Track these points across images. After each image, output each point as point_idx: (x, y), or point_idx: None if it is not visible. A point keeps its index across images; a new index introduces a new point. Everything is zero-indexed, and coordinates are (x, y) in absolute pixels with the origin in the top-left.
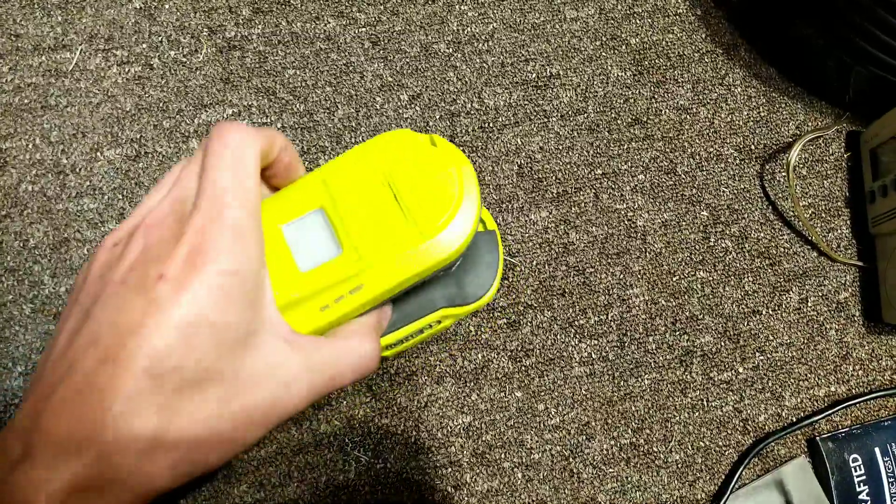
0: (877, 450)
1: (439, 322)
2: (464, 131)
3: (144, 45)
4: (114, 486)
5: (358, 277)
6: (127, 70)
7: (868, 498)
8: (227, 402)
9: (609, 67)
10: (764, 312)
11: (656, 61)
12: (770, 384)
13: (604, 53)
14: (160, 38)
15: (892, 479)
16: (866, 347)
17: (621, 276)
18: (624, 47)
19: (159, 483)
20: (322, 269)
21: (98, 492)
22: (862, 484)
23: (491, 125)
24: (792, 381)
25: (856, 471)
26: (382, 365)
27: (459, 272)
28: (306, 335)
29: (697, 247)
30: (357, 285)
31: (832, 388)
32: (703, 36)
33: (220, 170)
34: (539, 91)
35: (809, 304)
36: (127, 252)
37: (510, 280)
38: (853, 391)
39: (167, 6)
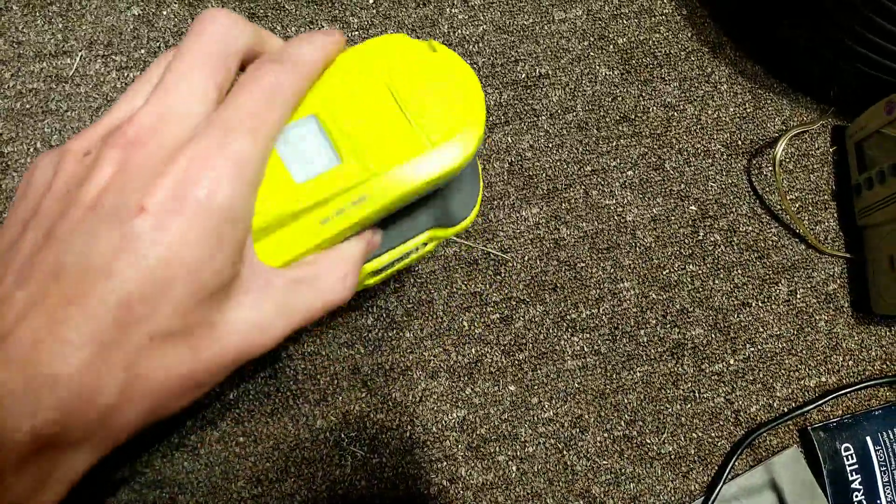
0: (868, 439)
1: (425, 245)
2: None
3: (143, 51)
4: (77, 442)
5: (361, 188)
6: (126, 75)
7: (860, 486)
8: (200, 351)
9: (597, 67)
10: (753, 304)
11: (643, 60)
12: (761, 375)
13: (592, 53)
14: (158, 44)
15: (883, 468)
16: (855, 338)
17: (612, 270)
18: (611, 47)
19: (124, 434)
20: (321, 180)
21: (58, 449)
22: (854, 472)
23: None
24: (783, 371)
25: (847, 460)
26: (377, 360)
27: (445, 191)
28: (284, 272)
29: (687, 241)
30: (360, 196)
31: (823, 379)
32: (689, 35)
33: (244, 87)
34: (528, 91)
35: (798, 296)
36: (100, 167)
37: (503, 275)
38: (843, 381)
39: (165, 13)
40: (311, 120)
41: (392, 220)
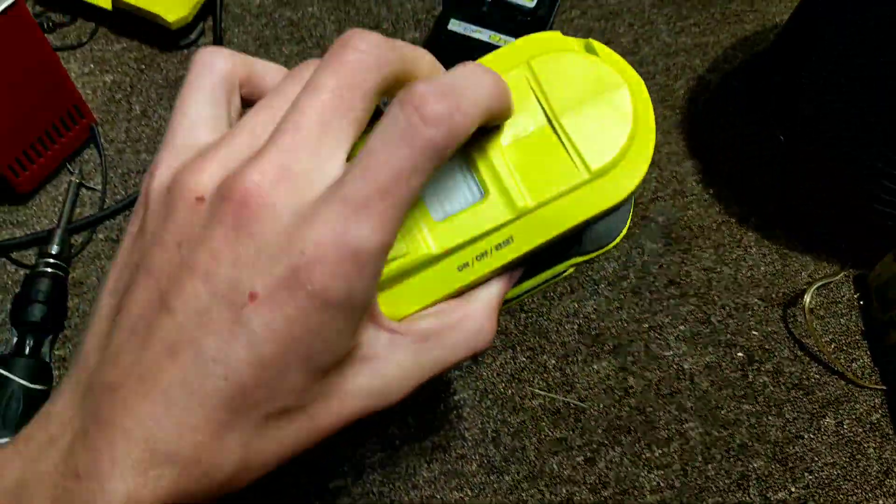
0: None
1: (564, 272)
2: (529, 300)
3: None
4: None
5: (507, 229)
6: None
7: None
8: (316, 421)
9: (643, 241)
10: (806, 437)
11: (681, 233)
12: (822, 500)
13: (637, 231)
14: None
15: None
16: None
17: (676, 412)
18: (653, 225)
19: (236, 492)
20: (462, 218)
21: None
22: None
23: (551, 294)
24: (841, 496)
25: None
26: (481, 503)
27: None
28: (411, 327)
29: (738, 383)
30: (506, 238)
31: (880, 501)
32: (718, 210)
33: (384, 146)
34: (588, 263)
35: (846, 427)
36: (213, 230)
37: (583, 422)
38: None
39: None
40: None
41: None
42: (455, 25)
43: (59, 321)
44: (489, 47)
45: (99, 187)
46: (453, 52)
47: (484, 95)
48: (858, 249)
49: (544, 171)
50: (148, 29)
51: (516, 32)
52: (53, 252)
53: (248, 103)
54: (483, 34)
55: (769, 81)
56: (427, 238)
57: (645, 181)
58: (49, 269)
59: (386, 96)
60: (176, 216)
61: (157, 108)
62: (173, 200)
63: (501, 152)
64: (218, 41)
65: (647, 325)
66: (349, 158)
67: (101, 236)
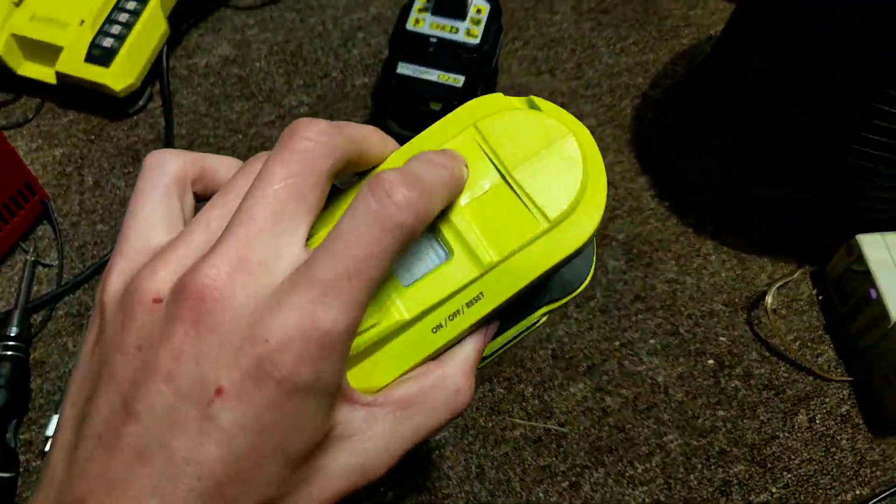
0: None
1: (537, 322)
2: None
3: None
4: None
5: (476, 285)
6: None
7: None
8: (305, 499)
9: (606, 261)
10: (781, 436)
11: (642, 248)
12: (803, 498)
13: (599, 251)
14: None
15: None
16: (877, 449)
17: (655, 426)
18: (614, 243)
19: None
20: (431, 280)
21: None
22: None
23: None
24: (820, 491)
25: None
26: None
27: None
28: (388, 397)
29: (712, 390)
30: (475, 295)
31: (857, 492)
32: (675, 221)
33: (349, 229)
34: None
35: (818, 422)
36: (172, 329)
37: (564, 447)
38: (875, 491)
39: None
40: None
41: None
42: (404, 68)
43: (22, 404)
44: (438, 87)
45: (55, 263)
46: (404, 94)
47: (446, 179)
48: (813, 246)
49: (504, 226)
50: (95, 99)
51: (464, 70)
52: (12, 334)
53: (202, 199)
54: (432, 74)
55: (708, 91)
56: (398, 305)
57: (602, 222)
58: (9, 353)
59: (337, 179)
60: (134, 320)
61: (109, 178)
62: (130, 304)
63: (461, 213)
64: (167, 105)
65: (618, 343)
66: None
67: (60, 312)
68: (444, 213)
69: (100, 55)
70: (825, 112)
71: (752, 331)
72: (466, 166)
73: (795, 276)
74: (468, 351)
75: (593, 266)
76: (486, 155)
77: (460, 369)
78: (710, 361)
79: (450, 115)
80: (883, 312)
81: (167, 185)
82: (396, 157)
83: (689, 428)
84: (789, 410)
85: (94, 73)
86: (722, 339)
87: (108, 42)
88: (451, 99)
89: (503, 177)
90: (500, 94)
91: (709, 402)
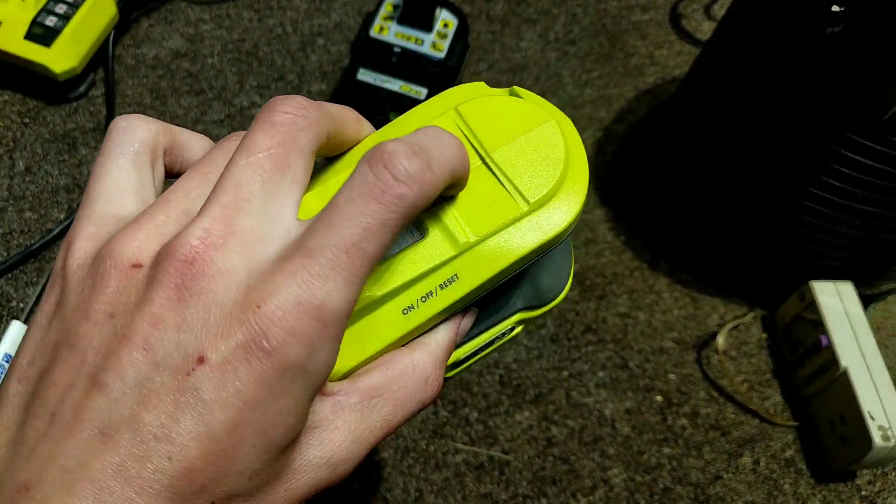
0: None
1: (512, 329)
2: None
3: None
4: None
5: (451, 266)
6: None
7: None
8: (272, 498)
9: None
10: (725, 477)
11: (596, 280)
12: None
13: None
14: None
15: None
16: (818, 496)
17: (600, 460)
18: None
19: None
20: (403, 259)
21: None
22: None
23: None
24: None
25: None
26: None
27: (538, 264)
28: (355, 385)
29: (658, 427)
30: (451, 276)
31: None
32: (630, 256)
33: (349, 203)
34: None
35: (762, 465)
36: (153, 293)
37: (507, 475)
38: None
39: None
40: None
41: (477, 300)
42: (364, 75)
43: None
44: (399, 97)
45: None
46: (363, 101)
47: (450, 156)
48: (765, 290)
49: (483, 207)
50: (33, 81)
51: (426, 83)
52: None
53: (171, 176)
54: (394, 84)
55: (673, 131)
56: (367, 282)
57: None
58: None
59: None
60: (106, 286)
61: (42, 164)
62: (103, 270)
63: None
64: (110, 93)
65: (566, 373)
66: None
67: None
68: None
69: (41, 34)
70: (781, 159)
71: (701, 370)
72: None
73: (746, 318)
74: (440, 339)
75: (570, 279)
76: (466, 138)
77: (430, 357)
78: (658, 398)
79: (431, 100)
80: (832, 360)
81: (137, 151)
82: (372, 140)
83: (634, 463)
84: (734, 452)
85: (34, 53)
86: (671, 376)
87: (51, 21)
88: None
89: (482, 159)
90: (482, 83)
91: (655, 439)
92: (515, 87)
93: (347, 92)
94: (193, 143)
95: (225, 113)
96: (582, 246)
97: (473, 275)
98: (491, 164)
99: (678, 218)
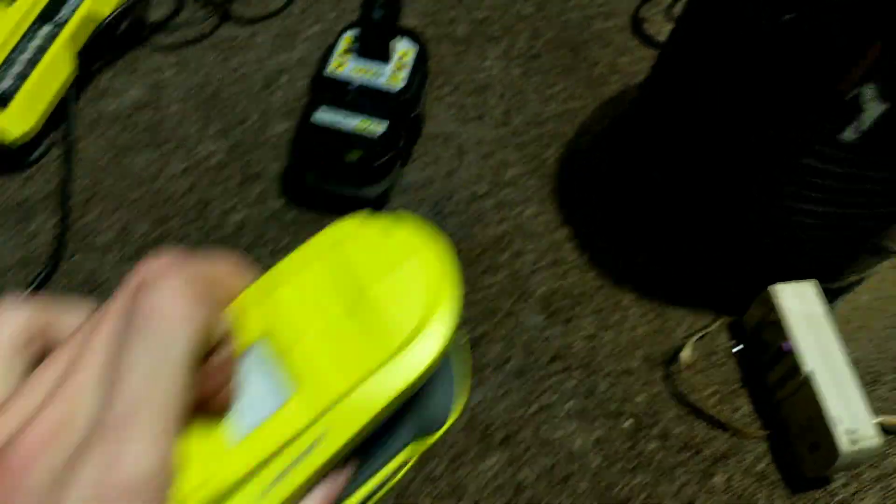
0: None
1: (405, 464)
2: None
3: None
4: None
5: (313, 430)
6: None
7: None
8: None
9: (525, 317)
10: (699, 500)
11: (562, 302)
12: None
13: (518, 307)
14: None
15: None
16: None
17: (570, 500)
18: (532, 298)
19: None
20: (262, 432)
21: None
22: None
23: None
24: None
25: None
26: None
27: (420, 391)
28: None
29: (629, 454)
30: (315, 438)
31: None
32: (595, 274)
33: (133, 359)
34: (473, 349)
35: (735, 482)
36: None
37: None
38: None
39: None
40: (260, 346)
41: (361, 444)
42: (322, 115)
43: None
44: (354, 137)
45: None
46: (318, 144)
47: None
48: (733, 295)
49: (344, 358)
50: None
51: (386, 116)
52: None
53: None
54: (352, 121)
55: (635, 133)
56: (218, 471)
57: (456, 343)
58: None
59: None
60: None
61: None
62: None
63: (306, 345)
64: (68, 155)
65: (535, 408)
66: None
67: None
68: (292, 350)
69: None
70: (745, 160)
71: (669, 387)
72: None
73: (713, 327)
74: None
75: (464, 396)
76: (331, 283)
77: None
78: (629, 422)
79: (309, 242)
80: (796, 364)
81: (6, 344)
82: (253, 290)
83: (605, 497)
84: (706, 471)
85: None
86: (639, 398)
87: (6, 83)
88: (369, 148)
89: (349, 303)
90: (363, 215)
91: (626, 468)
92: (399, 213)
93: (305, 134)
94: (69, 317)
95: (185, 165)
96: (547, 268)
97: (340, 432)
98: (357, 308)
99: (644, 223)
